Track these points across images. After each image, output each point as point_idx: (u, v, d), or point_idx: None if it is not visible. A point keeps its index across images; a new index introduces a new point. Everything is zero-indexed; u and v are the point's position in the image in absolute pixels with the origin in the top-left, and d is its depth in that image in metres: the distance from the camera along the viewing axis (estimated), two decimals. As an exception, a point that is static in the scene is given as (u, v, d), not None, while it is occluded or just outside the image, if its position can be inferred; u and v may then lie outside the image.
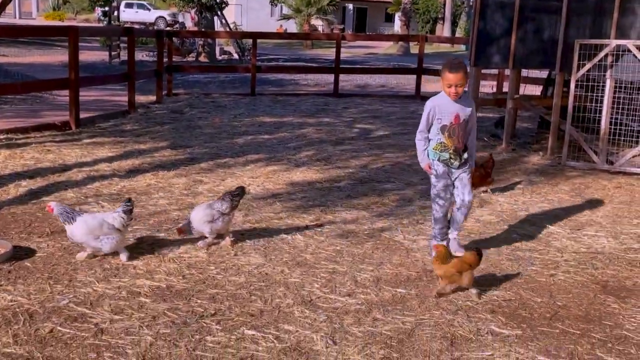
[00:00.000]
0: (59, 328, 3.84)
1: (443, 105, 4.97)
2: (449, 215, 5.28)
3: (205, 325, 4.00)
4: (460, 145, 5.04)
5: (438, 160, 5.07)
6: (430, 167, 5.12)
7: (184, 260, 5.05)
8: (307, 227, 6.03)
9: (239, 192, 5.48)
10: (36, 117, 11.48)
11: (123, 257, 4.97)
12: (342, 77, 17.85)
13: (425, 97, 16.37)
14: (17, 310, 4.04)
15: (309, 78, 21.80)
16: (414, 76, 17.70)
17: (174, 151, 9.20)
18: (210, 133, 10.83)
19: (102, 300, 4.26)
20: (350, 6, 60.28)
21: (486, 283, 4.89)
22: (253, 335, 3.90)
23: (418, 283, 4.85)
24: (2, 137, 9.38)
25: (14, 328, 3.81)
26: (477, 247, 4.88)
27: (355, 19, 61.19)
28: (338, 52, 17.00)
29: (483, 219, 6.55)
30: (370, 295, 4.58)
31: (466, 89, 5.08)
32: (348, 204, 6.90)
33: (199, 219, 5.31)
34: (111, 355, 3.57)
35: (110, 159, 8.42)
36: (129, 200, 5.11)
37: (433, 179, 5.15)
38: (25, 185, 6.91)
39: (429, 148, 5.11)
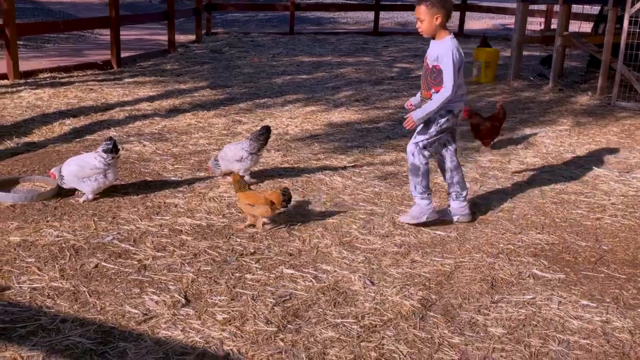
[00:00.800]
0: (103, 264, 3.94)
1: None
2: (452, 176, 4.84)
3: (244, 263, 4.05)
4: (425, 94, 4.55)
5: None
6: None
7: (224, 199, 5.09)
8: (345, 168, 6.01)
9: (264, 132, 5.48)
10: (79, 56, 11.57)
11: (87, 197, 4.89)
12: (382, 14, 17.48)
13: (468, 35, 15.97)
14: (64, 245, 4.15)
15: (348, 16, 21.40)
16: (457, 13, 17.20)
17: (213, 91, 9.19)
18: (249, 73, 10.77)
19: (144, 238, 4.34)
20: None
21: (529, 226, 4.82)
22: (292, 274, 3.94)
23: (458, 225, 4.81)
24: (46, 75, 9.49)
25: (60, 263, 3.91)
26: (285, 188, 4.64)
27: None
28: (379, -11, 16.59)
29: (527, 161, 6.42)
30: (409, 237, 4.57)
31: (450, 36, 4.42)
32: (387, 145, 6.83)
33: (228, 158, 5.34)
34: (154, 290, 3.65)
35: (151, 98, 8.46)
36: (110, 138, 4.95)
37: None
38: (69, 124, 7.01)
39: None
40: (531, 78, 10.90)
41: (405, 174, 5.94)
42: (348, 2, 26.12)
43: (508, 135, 7.34)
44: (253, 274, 3.91)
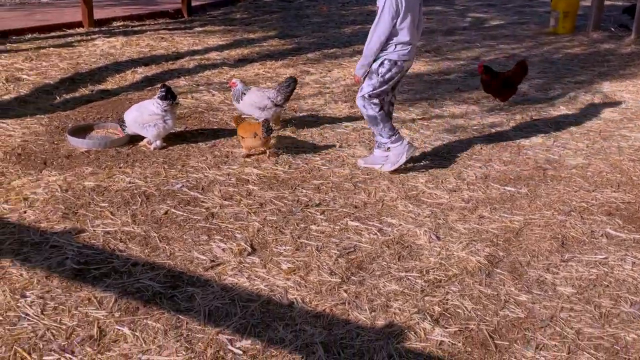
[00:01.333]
0: (173, 210, 4.03)
1: None
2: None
3: (310, 214, 4.07)
4: None
5: None
6: None
7: (290, 150, 5.10)
8: (413, 121, 5.90)
9: (291, 83, 5.42)
10: (151, 4, 11.68)
11: (155, 144, 5.01)
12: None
13: None
14: (135, 191, 4.26)
15: (421, -36, 20.76)
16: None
17: (282, 40, 9.14)
18: (318, 22, 10.65)
19: (212, 186, 4.41)
20: None
21: (604, 184, 4.64)
22: (356, 226, 3.93)
23: (529, 182, 4.68)
24: (119, 24, 9.65)
25: (132, 208, 4.03)
26: (265, 120, 4.84)
27: None
28: None
29: (604, 117, 6.16)
30: (477, 193, 4.48)
31: None
32: (457, 98, 6.67)
33: (250, 102, 5.33)
34: (221, 238, 3.72)
35: (220, 48, 8.49)
36: (163, 85, 5.04)
37: None
38: (141, 72, 7.13)
39: None
40: (612, 29, 10.36)
41: (475, 127, 5.80)
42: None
43: (584, 89, 7.03)
44: (318, 225, 3.93)
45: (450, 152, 5.20)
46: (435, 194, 4.44)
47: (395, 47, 4.43)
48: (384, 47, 4.43)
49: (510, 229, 3.97)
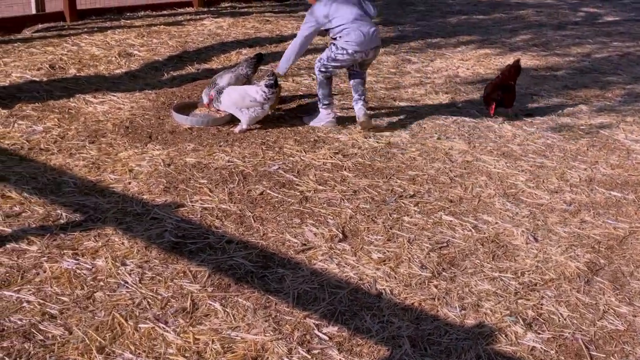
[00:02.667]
0: (268, 191, 4.09)
1: None
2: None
3: (403, 205, 4.02)
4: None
5: None
6: None
7: (387, 138, 5.06)
8: (516, 116, 5.72)
9: (257, 58, 5.54)
10: None
11: (241, 127, 5.05)
12: (573, -47, 16.14)
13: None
14: (233, 170, 4.35)
15: (534, -46, 20.02)
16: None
17: (385, 28, 9.06)
18: (423, 10, 10.47)
19: (308, 170, 4.44)
20: None
21: None
22: (450, 221, 3.86)
23: (637, 188, 4.44)
24: (227, 5, 9.85)
25: (229, 187, 4.12)
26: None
27: None
28: None
29: None
30: (581, 196, 4.29)
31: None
32: (565, 95, 6.40)
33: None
34: (313, 222, 3.74)
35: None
36: (272, 74, 5.05)
37: None
38: (245, 53, 7.25)
39: None
40: None
41: (582, 127, 5.55)
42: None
43: None
44: (411, 217, 3.88)
45: (554, 151, 5.00)
46: (536, 193, 4.28)
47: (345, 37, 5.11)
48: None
49: (614, 236, 3.78)
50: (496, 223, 3.86)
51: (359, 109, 5.23)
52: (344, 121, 5.38)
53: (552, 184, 4.43)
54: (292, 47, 5.25)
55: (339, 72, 5.96)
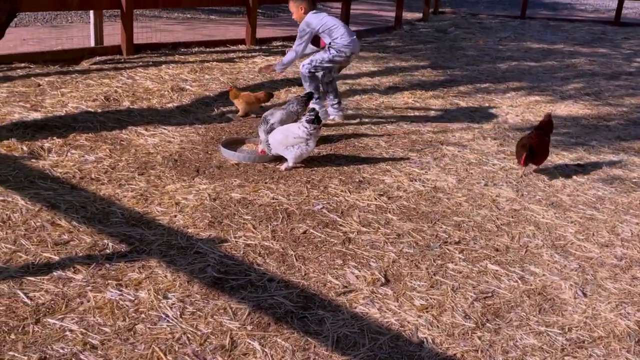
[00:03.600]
0: (311, 231, 4.08)
1: None
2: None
3: (448, 252, 3.96)
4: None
5: None
6: None
7: (432, 182, 5.02)
8: (567, 166, 5.61)
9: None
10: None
11: (287, 164, 5.06)
12: (626, 3, 16.00)
13: None
14: (277, 208, 4.37)
15: (587, 2, 19.90)
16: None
17: (434, 71, 9.08)
18: (473, 55, 10.48)
19: (352, 211, 4.42)
20: None
21: None
22: (496, 270, 3.78)
23: (692, 246, 4.28)
24: (278, 43, 10.05)
25: (273, 224, 4.13)
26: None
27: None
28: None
29: None
30: (632, 251, 4.16)
31: (308, 14, 6.04)
32: (616, 146, 6.27)
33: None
34: (355, 264, 3.71)
35: (372, 74, 8.58)
36: (312, 109, 5.10)
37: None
38: (294, 92, 7.35)
39: None
40: None
41: (634, 180, 5.42)
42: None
43: None
44: (455, 264, 3.81)
45: (605, 203, 4.88)
46: (585, 246, 4.17)
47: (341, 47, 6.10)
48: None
49: (668, 296, 3.64)
50: (543, 275, 3.76)
51: (336, 111, 6.37)
52: (392, 160, 5.37)
53: (603, 238, 4.31)
54: (294, 55, 6.16)
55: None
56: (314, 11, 6.09)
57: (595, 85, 8.87)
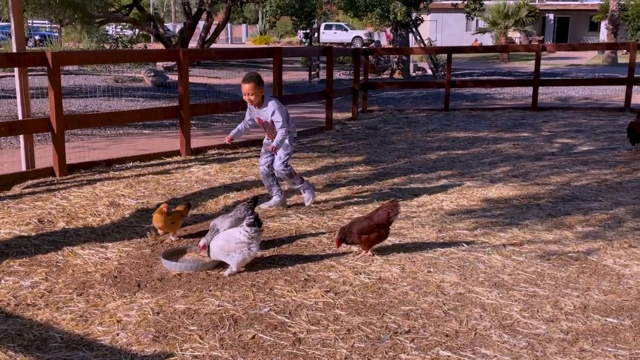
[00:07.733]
0: (260, 335, 4.01)
1: (252, 109, 6.77)
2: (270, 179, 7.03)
3: (399, 342, 3.94)
4: (270, 136, 6.84)
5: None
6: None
7: (376, 274, 5.05)
8: (504, 246, 5.76)
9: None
10: (244, 133, 12.25)
11: (231, 269, 5.02)
12: (541, 89, 17.03)
13: (636, 110, 15.06)
14: (224, 315, 4.29)
15: (505, 92, 21.06)
16: (623, 87, 16.34)
17: (368, 166, 9.32)
18: (403, 148, 10.83)
19: (300, 310, 4.38)
20: (551, 16, 57.17)
21: None
22: (448, 356, 3.77)
23: (632, 313, 4.40)
24: (214, 152, 10.15)
25: (220, 332, 4.04)
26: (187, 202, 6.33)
27: (555, 30, 57.86)
28: (537, 64, 16.19)
29: None
30: (577, 324, 4.23)
31: (272, 100, 6.62)
32: (549, 223, 6.49)
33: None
34: (308, 365, 3.64)
35: (308, 173, 8.73)
36: (252, 213, 5.18)
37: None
38: (233, 197, 7.38)
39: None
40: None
41: (570, 254, 5.58)
42: (505, 78, 25.84)
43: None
44: (407, 354, 3.79)
45: (545, 279, 5.00)
46: (532, 323, 4.23)
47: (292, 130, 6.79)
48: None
49: (616, 364, 3.69)
50: (495, 356, 3.78)
51: (281, 198, 6.97)
52: (336, 255, 5.39)
53: (547, 313, 4.39)
54: (284, 132, 6.54)
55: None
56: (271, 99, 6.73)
57: (521, 167, 9.26)
